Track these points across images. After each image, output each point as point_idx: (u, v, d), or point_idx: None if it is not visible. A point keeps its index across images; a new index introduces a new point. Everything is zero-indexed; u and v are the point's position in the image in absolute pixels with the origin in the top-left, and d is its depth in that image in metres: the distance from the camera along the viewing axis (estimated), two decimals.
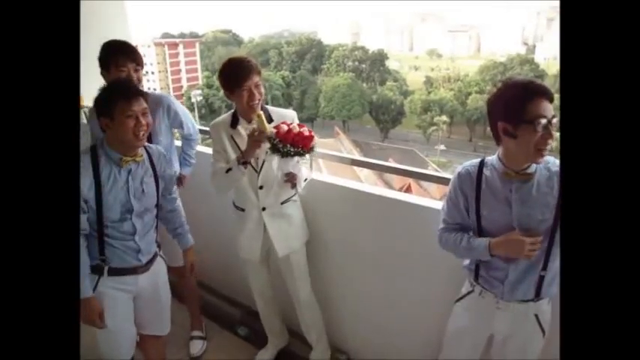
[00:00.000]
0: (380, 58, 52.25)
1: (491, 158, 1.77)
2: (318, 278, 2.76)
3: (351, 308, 2.78)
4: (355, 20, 79.03)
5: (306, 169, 2.35)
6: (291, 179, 2.23)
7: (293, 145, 2.07)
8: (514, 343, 1.85)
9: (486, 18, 72.72)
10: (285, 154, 2.08)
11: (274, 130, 2.08)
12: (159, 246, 2.21)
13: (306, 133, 2.11)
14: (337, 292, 2.80)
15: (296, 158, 2.13)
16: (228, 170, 2.24)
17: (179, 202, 2.38)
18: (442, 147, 41.05)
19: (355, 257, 2.63)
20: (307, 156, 2.30)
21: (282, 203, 2.42)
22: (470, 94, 43.13)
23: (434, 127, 40.76)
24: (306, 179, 2.34)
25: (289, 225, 2.47)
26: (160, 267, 2.21)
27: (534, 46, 65.22)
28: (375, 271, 2.58)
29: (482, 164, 1.77)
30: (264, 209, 2.39)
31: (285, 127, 2.07)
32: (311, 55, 53.83)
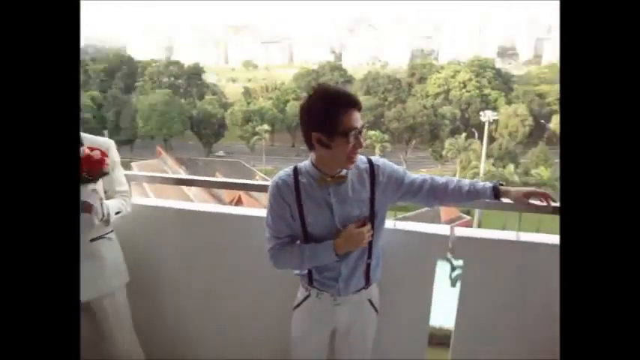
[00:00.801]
0: (196, 72, 51.62)
1: (304, 165, 1.81)
2: (161, 306, 2.65)
3: (200, 326, 2.70)
4: (166, 34, 76.71)
5: (121, 201, 2.20)
6: (86, 209, 1.97)
7: None
8: (356, 330, 1.99)
9: (296, 29, 76.53)
10: None
11: None
12: None
13: (96, 157, 1.94)
14: (183, 315, 2.70)
15: (90, 186, 1.97)
16: None
17: None
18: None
19: (195, 277, 2.56)
20: (125, 188, 2.20)
21: (91, 240, 2.14)
22: (288, 101, 44.97)
23: (257, 137, 41.54)
24: (118, 212, 2.16)
25: (98, 267, 2.17)
26: None
27: (341, 54, 70.61)
28: (216, 288, 2.55)
29: (296, 172, 1.81)
30: None
31: None
32: (122, 72, 50.89)
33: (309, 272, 1.90)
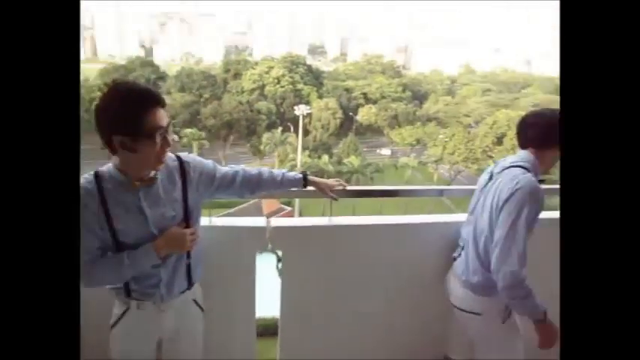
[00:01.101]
0: None
1: (107, 169, 1.63)
2: None
3: None
4: None
5: None
6: None
7: None
8: (184, 333, 1.90)
9: (99, 20, 70.56)
10: None
11: None
12: None
13: None
14: None
15: None
16: None
17: None
18: None
19: None
20: None
21: None
22: (94, 99, 41.14)
23: None
24: None
25: None
26: None
27: (152, 49, 67.23)
28: None
29: (98, 178, 1.61)
30: None
31: None
32: None
33: (126, 284, 1.76)
